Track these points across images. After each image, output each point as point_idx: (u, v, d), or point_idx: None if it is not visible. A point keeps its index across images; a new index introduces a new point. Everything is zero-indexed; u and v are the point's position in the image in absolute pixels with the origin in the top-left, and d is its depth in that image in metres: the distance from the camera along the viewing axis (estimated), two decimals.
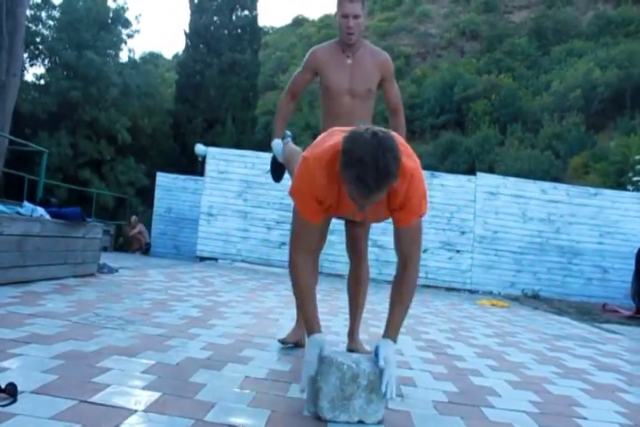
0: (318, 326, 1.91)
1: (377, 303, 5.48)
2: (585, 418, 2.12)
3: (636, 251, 8.06)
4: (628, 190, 12.42)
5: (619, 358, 3.75)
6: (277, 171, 3.04)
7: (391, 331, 1.92)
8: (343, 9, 2.69)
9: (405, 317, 1.97)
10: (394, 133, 1.86)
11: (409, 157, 1.86)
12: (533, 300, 8.96)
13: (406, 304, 1.96)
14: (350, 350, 2.79)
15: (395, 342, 1.91)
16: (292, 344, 2.85)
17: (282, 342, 2.84)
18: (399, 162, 1.63)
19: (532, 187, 10.08)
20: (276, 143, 2.93)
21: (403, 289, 1.95)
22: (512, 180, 10.34)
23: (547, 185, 10.29)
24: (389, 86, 2.87)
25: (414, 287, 1.98)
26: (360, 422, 1.78)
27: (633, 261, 8.07)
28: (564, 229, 9.90)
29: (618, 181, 15.78)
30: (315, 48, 2.90)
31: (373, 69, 2.78)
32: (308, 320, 1.94)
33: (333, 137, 1.87)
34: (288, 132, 2.98)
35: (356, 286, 2.85)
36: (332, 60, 2.79)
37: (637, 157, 14.37)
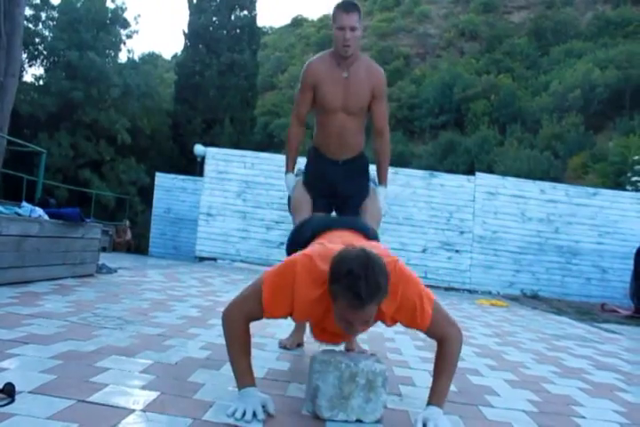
0: (252, 379, 1.80)
1: None
2: (583, 417, 2.12)
3: (634, 251, 8.06)
4: (627, 190, 12.44)
5: (617, 357, 3.75)
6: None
7: (437, 398, 1.80)
8: (340, 21, 2.64)
9: (450, 385, 1.87)
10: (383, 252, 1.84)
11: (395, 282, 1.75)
12: (532, 300, 8.96)
13: (451, 375, 1.86)
14: (347, 349, 2.78)
15: (441, 408, 1.79)
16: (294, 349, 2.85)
17: (283, 347, 2.83)
18: (388, 276, 1.62)
19: (531, 187, 10.09)
20: (289, 179, 2.90)
21: (445, 363, 1.84)
22: (511, 180, 10.34)
23: (546, 185, 10.29)
24: (378, 106, 2.82)
25: (457, 359, 1.88)
26: (358, 420, 1.78)
27: (632, 261, 8.07)
28: (563, 229, 9.90)
29: (617, 181, 15.81)
30: (310, 62, 2.83)
31: (367, 87, 2.74)
32: (239, 374, 1.80)
33: (328, 247, 1.82)
34: (302, 170, 2.93)
35: None
36: (327, 74, 2.74)
37: (636, 158, 14.40)
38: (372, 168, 2.94)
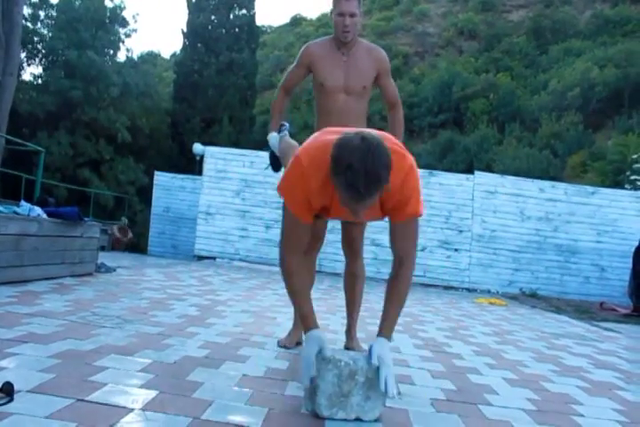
0: (315, 322, 1.89)
1: (375, 302, 5.47)
2: (582, 416, 2.12)
3: (633, 249, 8.08)
4: (626, 189, 12.43)
5: (616, 356, 3.75)
6: (276, 163, 3.01)
7: (386, 329, 1.90)
8: (339, 7, 2.66)
9: (399, 315, 1.96)
10: (385, 134, 1.86)
11: (402, 155, 1.85)
12: (531, 298, 8.96)
13: (401, 303, 1.94)
14: (347, 348, 2.79)
15: (389, 340, 1.89)
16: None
17: (282, 346, 2.83)
18: (389, 166, 1.61)
19: (530, 186, 10.09)
20: (273, 137, 2.89)
21: (398, 288, 1.93)
22: (510, 178, 10.34)
23: (545, 184, 10.29)
24: (386, 82, 2.84)
25: (409, 286, 1.96)
26: (357, 419, 1.78)
27: (630, 260, 8.09)
28: (562, 228, 9.91)
29: (616, 179, 15.81)
30: (309, 43, 2.87)
31: (369, 66, 2.76)
32: (303, 317, 1.92)
33: (327, 137, 1.84)
34: (286, 124, 2.93)
35: (352, 284, 2.85)
36: (326, 56, 2.77)
37: (635, 156, 14.39)
38: None
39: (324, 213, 1.98)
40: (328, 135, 1.86)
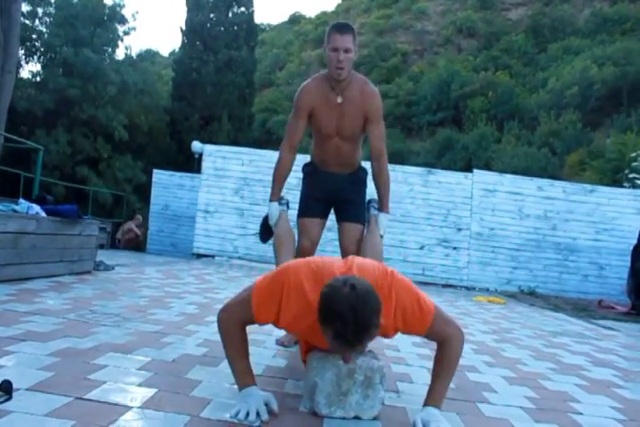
0: (252, 378, 1.80)
1: None
2: (580, 413, 2.12)
3: (631, 248, 8.08)
4: (625, 187, 12.44)
5: (614, 354, 3.76)
6: (267, 233, 2.93)
7: (436, 400, 1.78)
8: (334, 42, 2.57)
9: (448, 387, 1.85)
10: (366, 271, 1.79)
11: (384, 285, 1.76)
12: (530, 296, 8.97)
13: (451, 377, 1.83)
14: None
15: (439, 409, 1.77)
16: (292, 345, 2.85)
17: (281, 344, 2.83)
18: (379, 311, 1.57)
19: (528, 184, 10.09)
20: (273, 207, 2.84)
21: (447, 364, 1.82)
22: (509, 177, 10.34)
23: (543, 182, 10.29)
24: (373, 129, 2.75)
25: (458, 359, 1.85)
26: (356, 417, 1.78)
27: (629, 258, 8.10)
28: (561, 226, 9.91)
29: (614, 178, 15.82)
30: (303, 87, 2.77)
31: (360, 112, 2.69)
32: (239, 374, 1.81)
33: (318, 274, 1.75)
34: (287, 199, 2.90)
35: None
36: (321, 100, 2.70)
37: (633, 155, 14.40)
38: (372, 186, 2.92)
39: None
40: (320, 272, 1.77)
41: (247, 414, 1.65)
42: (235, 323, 1.81)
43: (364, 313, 1.52)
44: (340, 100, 2.69)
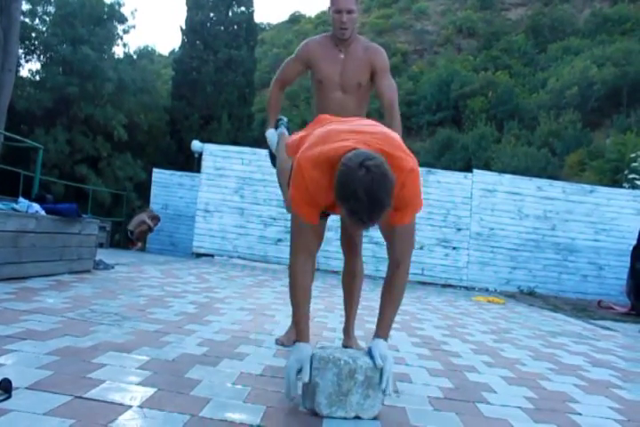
0: (306, 335, 1.92)
1: (373, 300, 5.47)
2: (579, 414, 2.12)
3: (631, 248, 8.09)
4: (624, 188, 12.45)
5: (613, 354, 3.76)
6: (275, 160, 2.95)
7: (383, 330, 1.94)
8: (337, 4, 2.67)
9: (395, 316, 1.99)
10: (388, 136, 1.87)
11: (405, 155, 1.85)
12: (529, 297, 8.98)
13: (397, 304, 1.98)
14: (345, 346, 2.79)
15: (386, 340, 1.93)
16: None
17: (280, 344, 2.83)
18: (392, 192, 1.64)
19: (528, 184, 10.10)
20: (270, 133, 2.86)
21: (394, 290, 1.97)
22: (508, 177, 10.35)
23: (543, 182, 10.30)
24: (380, 80, 2.77)
25: (405, 287, 2.01)
26: (357, 417, 1.78)
27: (628, 259, 8.10)
28: (560, 227, 9.92)
29: (614, 178, 15.83)
30: (308, 40, 2.89)
31: (365, 64, 2.74)
32: (298, 325, 1.96)
33: (329, 145, 1.82)
34: (284, 118, 2.89)
35: (351, 282, 2.86)
36: (324, 53, 2.78)
37: (633, 155, 14.41)
38: None
39: (330, 209, 2.01)
40: (330, 142, 1.83)
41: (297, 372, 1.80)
42: (302, 257, 1.96)
43: (378, 195, 1.60)
44: (342, 55, 2.76)
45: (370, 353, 1.85)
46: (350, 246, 2.82)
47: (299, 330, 1.94)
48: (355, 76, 2.74)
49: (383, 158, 1.67)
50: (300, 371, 1.80)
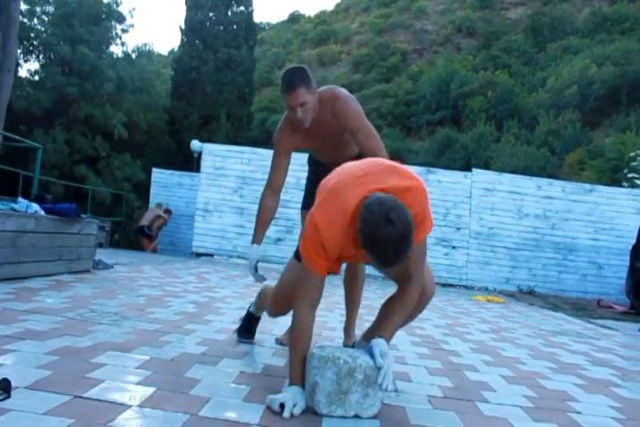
0: (301, 377, 1.86)
1: (372, 299, 5.48)
2: (579, 413, 2.13)
3: (630, 247, 8.09)
4: (624, 187, 12.45)
5: (613, 353, 3.77)
6: (248, 330, 2.85)
7: (385, 332, 1.96)
8: (287, 101, 2.49)
9: (400, 325, 2.02)
10: (394, 168, 1.95)
11: (406, 177, 1.91)
12: (529, 296, 8.98)
13: (406, 313, 2.01)
14: (346, 345, 2.79)
15: (388, 342, 1.93)
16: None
17: (280, 343, 2.83)
18: (412, 240, 1.71)
19: (527, 183, 10.10)
20: (253, 250, 2.67)
21: (405, 299, 2.00)
22: (508, 176, 10.35)
23: (542, 181, 10.30)
24: (356, 137, 2.61)
25: (414, 302, 2.02)
26: (356, 416, 1.78)
27: (627, 258, 8.11)
28: (560, 226, 9.92)
29: (613, 177, 15.81)
30: (278, 132, 2.69)
31: (337, 129, 2.60)
32: (292, 367, 1.89)
33: (342, 199, 1.83)
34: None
35: (352, 283, 2.86)
36: (300, 137, 2.63)
37: (632, 154, 14.41)
38: None
39: (346, 259, 2.02)
40: (342, 195, 1.84)
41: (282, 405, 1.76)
42: (311, 298, 1.92)
43: (404, 246, 1.68)
44: (316, 130, 2.58)
45: (370, 351, 1.85)
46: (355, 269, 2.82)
47: (292, 372, 1.87)
48: (337, 139, 2.65)
49: (401, 203, 1.71)
50: (295, 406, 1.75)
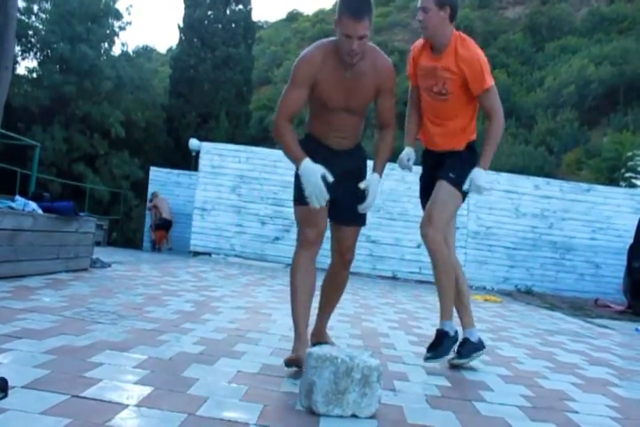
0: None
1: (370, 299, 5.49)
2: (576, 412, 2.13)
3: (627, 247, 8.10)
4: (621, 186, 12.47)
5: (610, 352, 3.77)
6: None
7: (483, 162, 2.83)
8: (346, 29, 2.29)
9: (492, 154, 2.82)
10: None
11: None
12: (526, 295, 8.99)
13: (495, 145, 2.81)
14: (320, 342, 2.60)
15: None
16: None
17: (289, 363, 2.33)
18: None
19: (525, 182, 10.11)
20: (306, 164, 2.34)
21: (493, 133, 2.85)
22: (505, 175, 10.35)
23: (540, 181, 10.31)
24: (383, 102, 2.56)
25: (500, 135, 2.90)
26: (353, 415, 1.78)
27: (625, 257, 8.11)
28: (557, 225, 9.93)
29: (611, 177, 15.84)
30: (307, 57, 2.43)
31: (372, 85, 2.48)
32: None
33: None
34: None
35: (332, 293, 2.70)
36: (328, 74, 2.42)
37: (630, 154, 14.43)
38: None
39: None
40: None
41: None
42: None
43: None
44: (348, 74, 2.44)
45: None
46: (343, 259, 2.62)
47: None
48: (361, 99, 2.50)
49: None
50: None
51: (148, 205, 12.38)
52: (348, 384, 1.78)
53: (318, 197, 2.27)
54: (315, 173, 2.28)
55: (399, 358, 2.79)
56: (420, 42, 2.96)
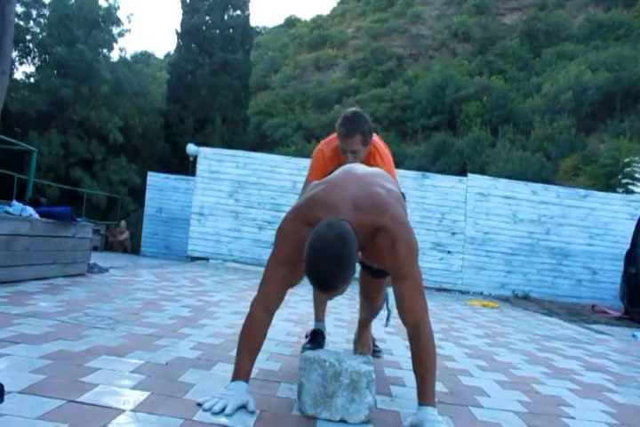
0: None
1: None
2: (573, 418, 2.13)
3: (624, 252, 8.12)
4: (618, 193, 12.50)
5: (607, 358, 3.77)
6: None
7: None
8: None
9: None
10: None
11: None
12: (524, 301, 9.00)
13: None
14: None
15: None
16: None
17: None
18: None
19: (522, 188, 10.13)
20: (238, 388, 1.82)
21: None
22: (503, 181, 10.38)
23: (537, 187, 10.34)
24: (400, 284, 2.02)
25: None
26: (342, 420, 1.77)
27: (622, 263, 8.13)
28: (555, 231, 9.95)
29: (608, 183, 15.86)
30: (287, 220, 2.01)
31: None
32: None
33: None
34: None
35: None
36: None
37: (627, 160, 14.48)
38: None
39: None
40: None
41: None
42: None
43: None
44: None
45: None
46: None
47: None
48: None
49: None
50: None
51: (122, 237, 14.37)
52: (336, 388, 1.77)
53: (224, 404, 1.72)
54: (240, 396, 1.77)
55: (396, 363, 2.79)
56: (330, 145, 2.71)
